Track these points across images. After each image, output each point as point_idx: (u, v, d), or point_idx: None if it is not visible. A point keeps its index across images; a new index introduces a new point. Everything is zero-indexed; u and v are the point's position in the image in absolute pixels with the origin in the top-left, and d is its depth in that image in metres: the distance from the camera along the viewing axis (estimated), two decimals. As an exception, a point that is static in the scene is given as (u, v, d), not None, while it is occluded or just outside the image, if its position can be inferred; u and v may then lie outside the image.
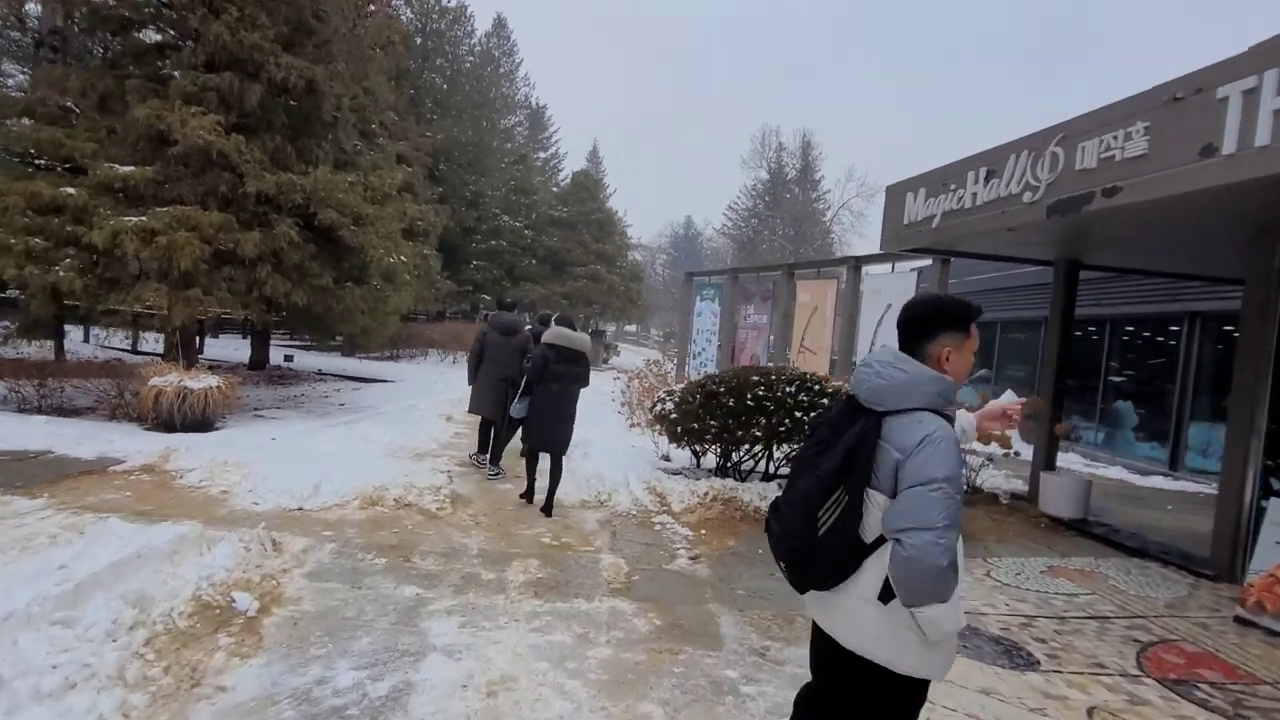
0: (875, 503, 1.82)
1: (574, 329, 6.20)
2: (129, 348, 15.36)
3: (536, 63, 69.75)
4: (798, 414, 6.74)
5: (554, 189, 38.73)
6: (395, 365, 18.75)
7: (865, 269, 11.54)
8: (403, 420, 9.96)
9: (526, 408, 6.13)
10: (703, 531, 5.99)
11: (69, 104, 8.83)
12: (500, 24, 44.31)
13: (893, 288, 10.81)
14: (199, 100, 8.54)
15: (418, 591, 4.17)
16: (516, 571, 4.68)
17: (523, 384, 6.16)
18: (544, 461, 6.45)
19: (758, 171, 66.31)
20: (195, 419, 7.56)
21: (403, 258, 14.32)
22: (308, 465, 6.59)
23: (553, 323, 6.26)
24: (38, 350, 9.93)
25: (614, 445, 9.16)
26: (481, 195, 29.81)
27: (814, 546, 1.85)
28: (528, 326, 8.26)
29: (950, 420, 1.90)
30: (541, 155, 49.27)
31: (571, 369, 6.06)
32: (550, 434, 6.17)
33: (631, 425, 11.20)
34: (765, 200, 67.13)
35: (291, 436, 7.99)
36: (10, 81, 18.51)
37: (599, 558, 5.14)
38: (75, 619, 2.93)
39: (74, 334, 14.31)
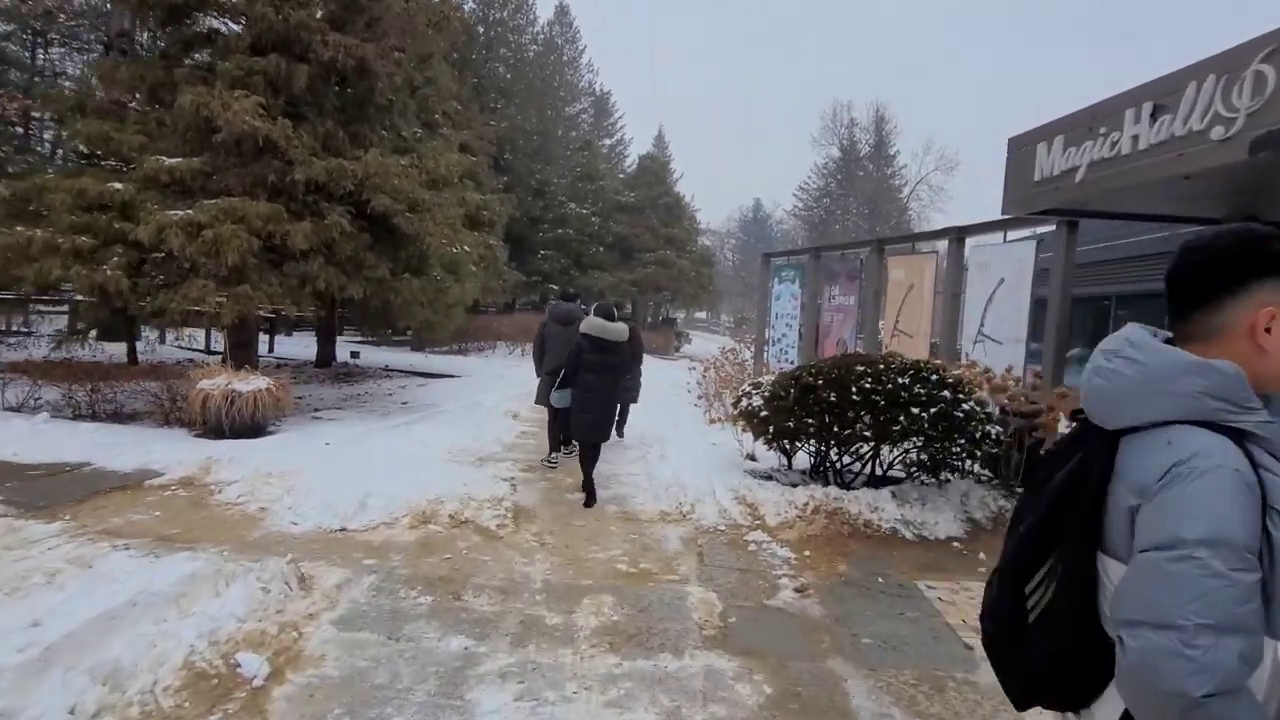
0: (1114, 578, 1.11)
1: (611, 319, 6.09)
2: (204, 348, 15.45)
3: (600, 47, 69.00)
4: (914, 409, 5.65)
5: (620, 175, 37.95)
6: (462, 359, 18.38)
7: (970, 240, 10.07)
8: (466, 420, 9.34)
9: (567, 397, 6.17)
10: (806, 553, 5.01)
11: (122, 99, 8.52)
12: (562, 10, 43.70)
13: (1006, 259, 9.33)
14: (245, 84, 8.05)
15: (466, 645, 3.38)
16: (587, 613, 3.84)
17: (561, 375, 6.23)
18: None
19: (829, 149, 63.85)
20: (244, 424, 7.08)
21: (466, 247, 13.79)
22: (358, 475, 5.97)
23: (591, 312, 6.20)
24: (107, 353, 9.78)
25: (693, 444, 8.26)
26: (547, 184, 29.30)
27: (1020, 637, 1.21)
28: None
29: (1240, 439, 1.07)
30: (607, 142, 48.58)
31: (607, 359, 6.01)
32: (587, 424, 6.10)
33: (711, 421, 10.27)
34: (837, 179, 64.65)
35: (347, 440, 7.44)
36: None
37: (685, 590, 4.25)
38: (15, 710, 2.24)
39: (151, 335, 14.45)
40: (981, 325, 9.21)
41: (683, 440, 8.62)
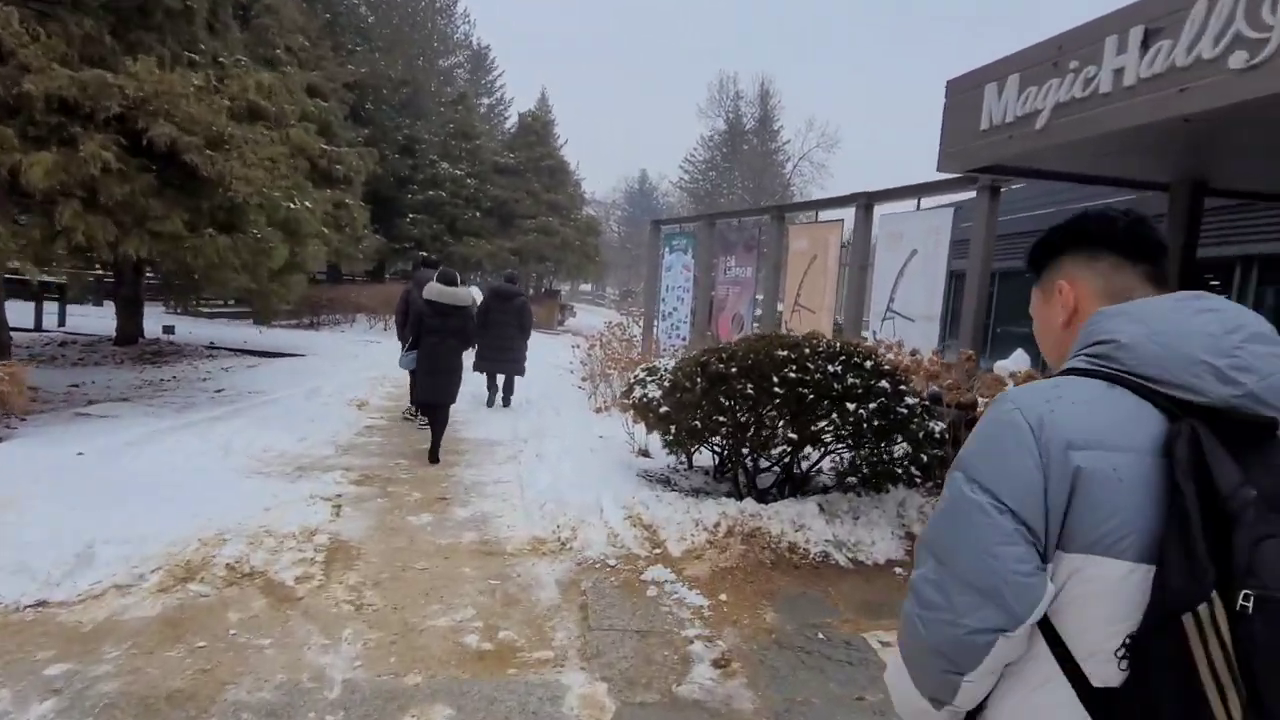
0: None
1: (453, 284, 6.27)
2: None
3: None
4: (849, 404, 4.59)
5: (499, 137, 35.51)
6: (313, 335, 16.02)
7: (880, 209, 9.25)
8: (295, 412, 7.52)
9: (412, 360, 6.41)
10: (722, 597, 3.84)
11: None
12: (434, -47, 40.12)
13: (919, 229, 8.49)
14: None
15: None
16: (406, 747, 2.46)
17: (409, 340, 6.42)
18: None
19: (715, 121, 63.71)
20: (-54, 431, 5.03)
21: (307, 204, 11.65)
22: (103, 504, 4.21)
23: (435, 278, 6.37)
24: None
25: (576, 438, 6.95)
26: (417, 140, 26.62)
27: None
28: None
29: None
30: (485, 101, 45.55)
31: (448, 322, 6.15)
32: (430, 386, 6.31)
33: (598, 409, 8.99)
34: (723, 151, 64.74)
35: (112, 449, 5.52)
36: None
37: (562, 681, 2.94)
38: None
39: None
40: (891, 300, 8.30)
41: (564, 432, 7.29)
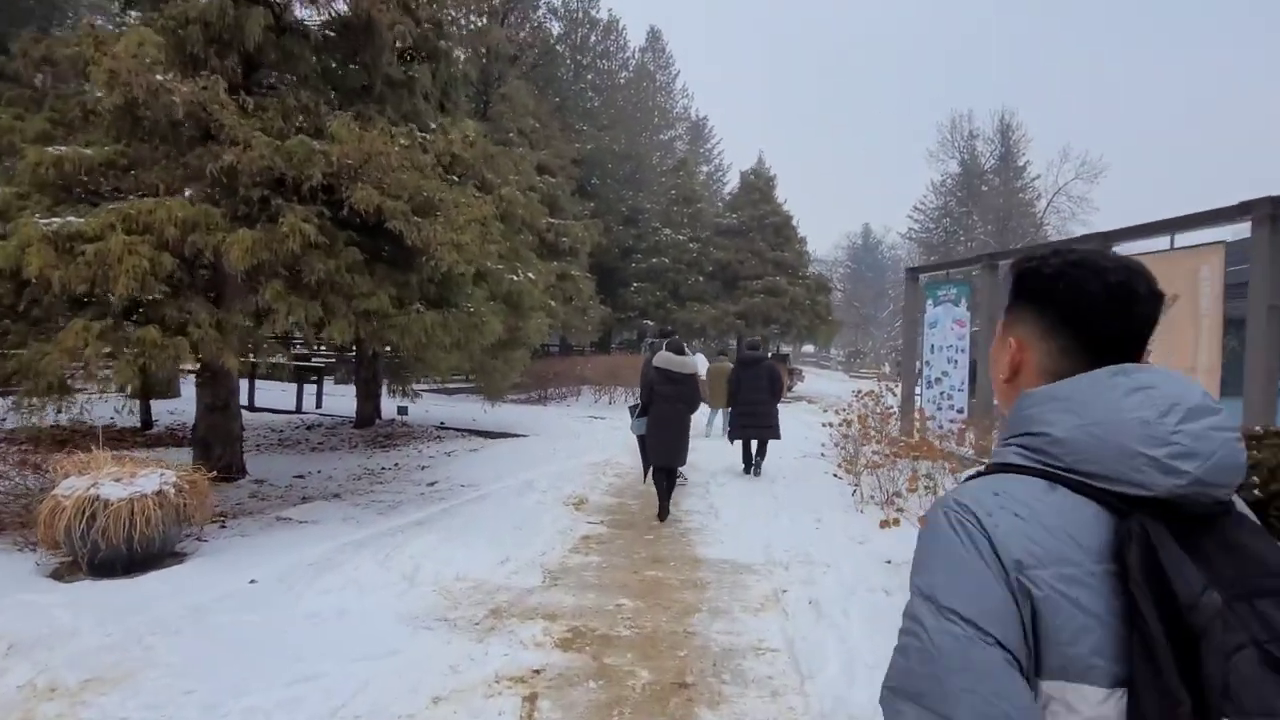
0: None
1: (681, 353, 6.56)
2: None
3: (694, 73, 66.84)
4: None
5: (719, 203, 34.93)
6: (539, 410, 15.57)
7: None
8: (502, 515, 6.30)
9: (644, 426, 6.63)
10: None
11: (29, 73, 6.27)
12: (654, 36, 41.85)
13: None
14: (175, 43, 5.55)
15: None
16: None
17: (639, 405, 6.69)
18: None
19: (947, 164, 58.57)
20: (116, 554, 4.29)
21: (530, 275, 11.03)
22: (225, 682, 3.01)
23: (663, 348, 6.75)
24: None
25: (855, 568, 4.88)
26: (640, 211, 26.67)
27: None
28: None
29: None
30: (704, 169, 45.88)
31: (678, 390, 6.41)
32: (662, 451, 6.48)
33: (862, 509, 6.81)
34: (958, 196, 59.09)
35: (292, 571, 4.54)
36: None
37: None
38: None
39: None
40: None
41: (835, 553, 5.29)
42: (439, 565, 4.84)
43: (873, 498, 7.21)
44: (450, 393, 17.53)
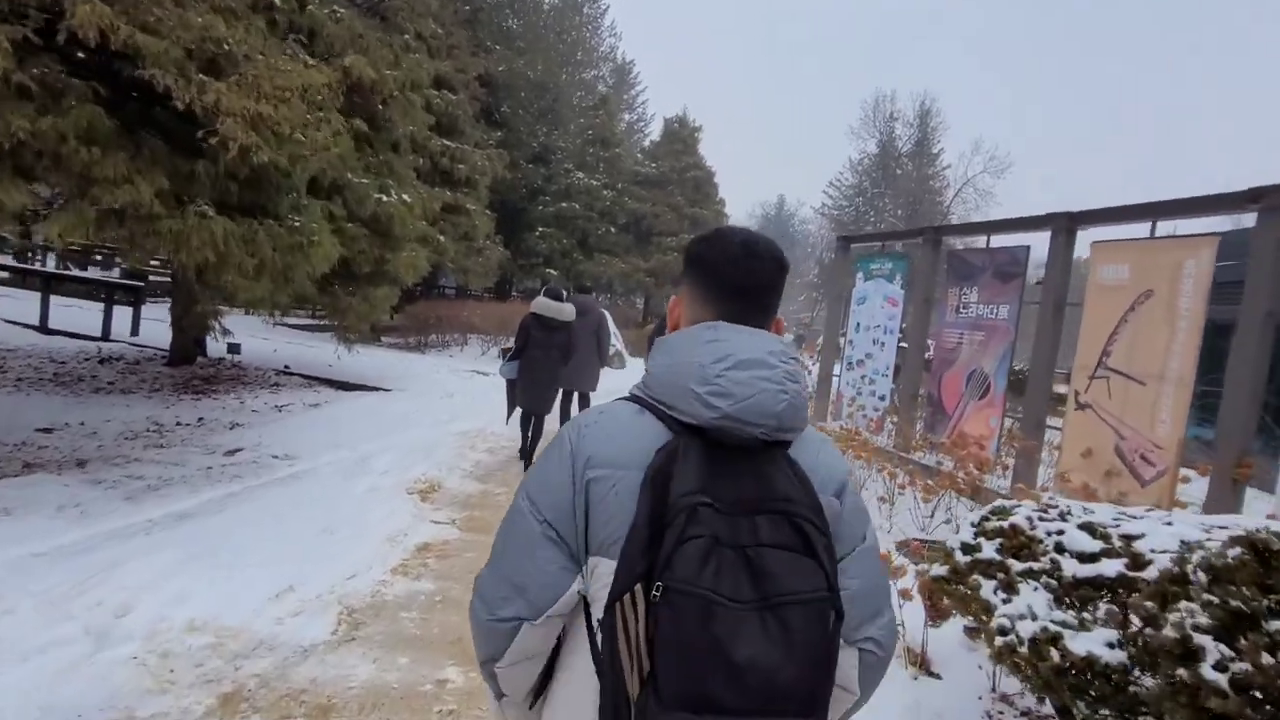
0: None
1: (560, 299, 6.41)
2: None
3: (623, 11, 63.39)
4: None
5: (638, 153, 33.03)
6: (413, 359, 13.56)
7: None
8: (314, 512, 4.57)
9: (514, 370, 6.40)
10: None
11: None
12: (585, -36, 38.73)
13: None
14: None
15: None
16: None
17: (513, 349, 6.44)
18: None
19: (867, 144, 58.85)
20: None
21: (405, 198, 9.05)
22: None
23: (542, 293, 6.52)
24: None
25: None
26: (552, 150, 24.45)
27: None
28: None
29: None
30: (626, 117, 43.65)
31: (550, 335, 6.31)
32: (532, 397, 6.41)
33: None
34: (873, 176, 59.67)
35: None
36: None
37: None
38: None
39: None
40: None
41: None
42: (169, 601, 3.12)
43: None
44: (314, 329, 15.16)
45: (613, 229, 23.47)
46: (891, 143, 58.43)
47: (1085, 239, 7.27)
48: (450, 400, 9.18)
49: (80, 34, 3.54)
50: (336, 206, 7.65)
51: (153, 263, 11.98)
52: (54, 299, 11.04)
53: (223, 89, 3.89)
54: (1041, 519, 2.58)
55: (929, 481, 5.90)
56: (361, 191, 8.09)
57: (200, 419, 6.78)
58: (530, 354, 6.35)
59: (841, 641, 0.95)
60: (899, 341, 9.98)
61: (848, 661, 1.00)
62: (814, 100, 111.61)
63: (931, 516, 6.06)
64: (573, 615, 1.02)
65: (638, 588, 0.87)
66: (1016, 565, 2.40)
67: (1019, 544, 2.50)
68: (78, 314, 11.60)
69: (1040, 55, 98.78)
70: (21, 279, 14.33)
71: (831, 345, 11.38)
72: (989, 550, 2.53)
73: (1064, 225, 7.00)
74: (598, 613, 0.96)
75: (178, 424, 6.50)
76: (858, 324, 10.59)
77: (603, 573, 0.96)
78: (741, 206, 79.52)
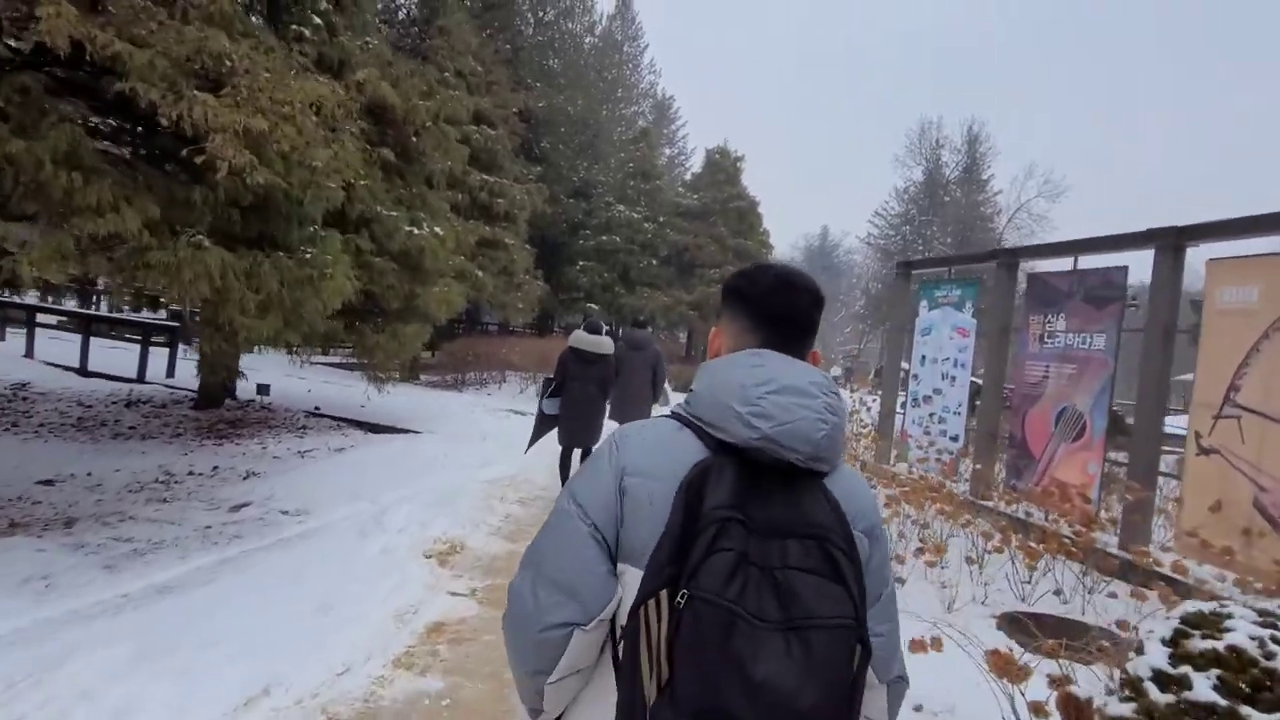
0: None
1: (597, 333, 6.35)
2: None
3: (663, 50, 63.84)
4: None
5: (679, 187, 32.72)
6: (448, 398, 13.09)
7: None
8: (307, 580, 3.96)
9: (556, 406, 6.30)
10: None
11: None
12: (624, 3, 39.19)
13: None
14: None
15: None
16: None
17: (551, 386, 6.32)
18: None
19: (912, 171, 57.74)
20: None
21: (437, 230, 8.62)
22: None
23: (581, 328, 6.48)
24: None
25: None
26: (593, 185, 24.23)
27: None
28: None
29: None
30: (667, 152, 43.60)
31: (588, 369, 6.21)
32: (576, 430, 6.26)
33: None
34: (920, 204, 58.40)
35: None
36: None
37: None
38: None
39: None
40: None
41: None
42: (106, 716, 2.51)
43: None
44: (353, 368, 14.89)
45: (654, 262, 22.99)
46: (939, 170, 57.21)
47: (1195, 258, 6.41)
48: (483, 443, 8.60)
49: (49, 42, 3.10)
50: (363, 240, 7.23)
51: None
52: (98, 341, 10.94)
53: (211, 101, 3.42)
54: (1277, 637, 1.79)
55: (1030, 542, 5.00)
56: (391, 224, 7.68)
57: (215, 467, 6.31)
58: (569, 388, 6.28)
59: (874, 680, 0.99)
60: (972, 376, 9.08)
61: (879, 699, 1.04)
62: (856, 130, 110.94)
63: (1030, 582, 5.15)
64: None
65: (663, 594, 0.88)
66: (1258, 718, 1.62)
67: (1254, 679, 1.72)
68: (119, 356, 11.48)
69: (1093, 74, 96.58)
70: (74, 323, 14.48)
71: (893, 380, 10.50)
72: (1203, 686, 1.76)
73: (1170, 242, 6.14)
74: (622, 619, 0.96)
75: (190, 473, 6.03)
76: (923, 356, 9.71)
77: (629, 581, 0.97)
78: (784, 238, 78.77)
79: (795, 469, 0.97)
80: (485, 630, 3.70)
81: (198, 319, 4.81)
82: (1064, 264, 7.73)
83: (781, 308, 1.11)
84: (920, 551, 5.34)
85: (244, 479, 6.03)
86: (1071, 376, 7.18)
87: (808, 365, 1.07)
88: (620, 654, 0.94)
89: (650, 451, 1.02)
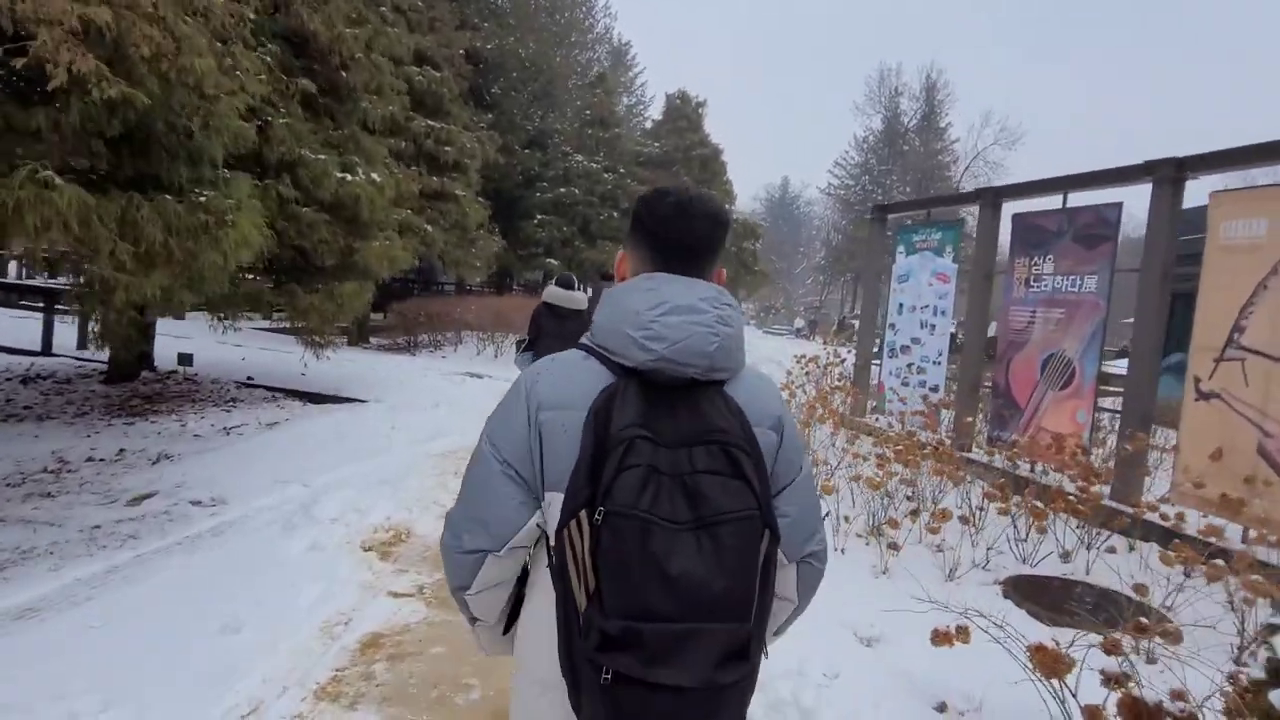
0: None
1: (570, 288, 6.19)
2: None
3: (615, -1, 61.32)
4: None
5: (639, 135, 31.51)
6: (400, 362, 12.24)
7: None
8: (213, 592, 3.30)
9: (529, 361, 5.64)
10: None
11: None
12: (575, -60, 37.09)
13: None
14: None
15: None
16: None
17: (526, 341, 6.25)
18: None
19: (872, 119, 57.17)
20: None
21: (375, 177, 7.74)
22: None
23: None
24: None
25: (847, 689, 2.27)
26: (548, 134, 23.06)
27: None
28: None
29: None
30: (625, 101, 42.10)
31: (562, 325, 6.00)
32: None
33: (841, 545, 4.32)
34: (879, 153, 58.07)
35: None
36: None
37: None
38: None
39: None
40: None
41: (837, 687, 2.65)
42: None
43: (857, 529, 4.75)
44: (295, 332, 13.87)
45: (615, 214, 22.09)
46: (897, 118, 56.83)
47: (1196, 191, 5.97)
48: (434, 410, 7.90)
49: None
50: (285, 186, 6.36)
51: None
52: (7, 311, 9.82)
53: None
54: None
55: (1035, 502, 4.58)
56: (318, 169, 6.79)
57: (121, 451, 5.52)
58: (544, 344, 6.14)
59: (784, 559, 1.11)
60: (952, 322, 8.67)
61: (789, 576, 1.14)
62: (815, 79, 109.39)
63: (1025, 539, 4.75)
64: (537, 548, 1.13)
65: (583, 513, 0.95)
66: None
67: None
68: (27, 327, 10.38)
69: (1056, 18, 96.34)
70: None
71: (869, 330, 10.05)
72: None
73: (1170, 174, 5.69)
74: (551, 540, 1.04)
75: (89, 460, 5.24)
76: (900, 305, 9.26)
77: (556, 506, 1.03)
78: (746, 189, 77.85)
79: (695, 382, 1.05)
80: (434, 640, 3.11)
81: (49, 273, 3.99)
82: (1049, 203, 7.26)
83: (679, 234, 1.14)
84: (913, 514, 4.91)
85: (153, 464, 5.26)
86: (1060, 321, 6.76)
87: (702, 283, 1.11)
88: (553, 569, 1.03)
89: (559, 385, 1.09)
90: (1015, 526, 4.86)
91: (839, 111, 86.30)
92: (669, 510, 0.94)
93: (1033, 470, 6.39)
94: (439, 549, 1.14)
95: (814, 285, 69.65)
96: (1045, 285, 7.04)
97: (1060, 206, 7.06)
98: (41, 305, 9.88)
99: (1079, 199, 6.93)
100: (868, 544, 4.72)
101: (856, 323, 35.36)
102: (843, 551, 4.57)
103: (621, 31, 52.32)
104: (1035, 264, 7.13)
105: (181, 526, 4.06)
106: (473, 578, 1.09)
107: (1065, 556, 4.71)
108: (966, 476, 5.37)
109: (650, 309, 1.04)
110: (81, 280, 4.23)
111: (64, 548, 3.63)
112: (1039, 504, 4.58)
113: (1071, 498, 4.64)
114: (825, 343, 12.64)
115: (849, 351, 11.25)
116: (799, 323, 42.45)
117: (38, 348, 9.35)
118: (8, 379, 7.56)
